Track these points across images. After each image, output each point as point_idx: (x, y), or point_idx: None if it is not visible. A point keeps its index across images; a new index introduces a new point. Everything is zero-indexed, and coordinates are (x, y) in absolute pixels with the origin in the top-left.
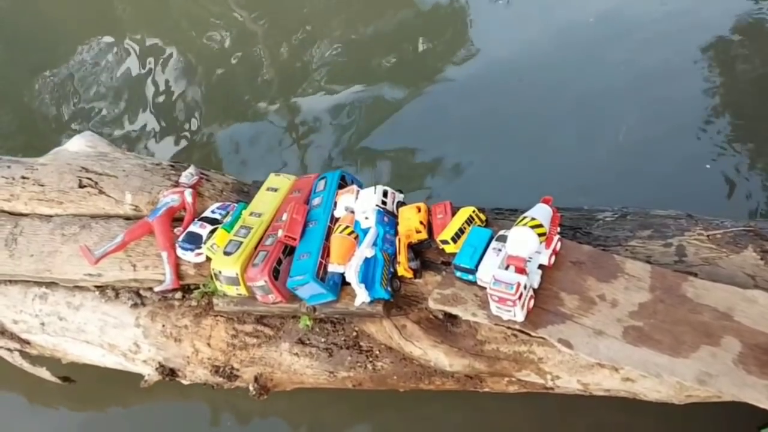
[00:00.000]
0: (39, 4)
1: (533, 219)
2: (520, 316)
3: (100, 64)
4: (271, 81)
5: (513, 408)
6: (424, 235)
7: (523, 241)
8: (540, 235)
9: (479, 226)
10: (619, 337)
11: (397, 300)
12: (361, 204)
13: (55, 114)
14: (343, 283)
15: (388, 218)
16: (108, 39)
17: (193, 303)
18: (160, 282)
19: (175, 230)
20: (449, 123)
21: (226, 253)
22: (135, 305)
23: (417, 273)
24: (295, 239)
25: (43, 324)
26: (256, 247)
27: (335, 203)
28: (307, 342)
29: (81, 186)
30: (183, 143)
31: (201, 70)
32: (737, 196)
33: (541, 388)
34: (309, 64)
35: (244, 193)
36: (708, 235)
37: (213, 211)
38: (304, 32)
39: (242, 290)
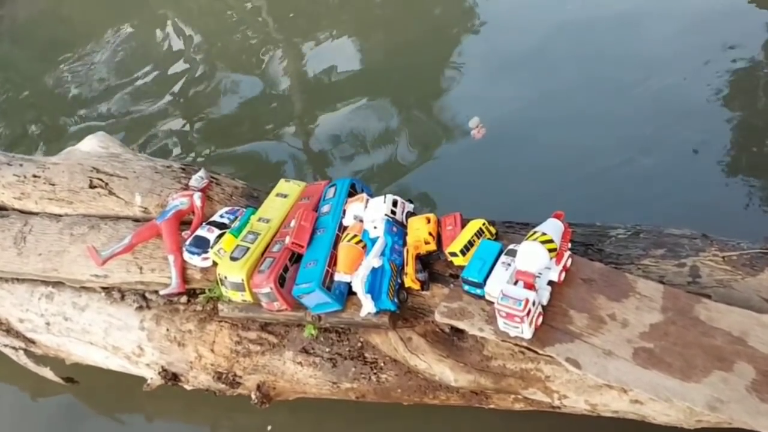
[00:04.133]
0: (62, 8)
1: (544, 234)
2: (527, 333)
3: (115, 61)
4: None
5: (519, 427)
6: (432, 247)
7: (533, 256)
8: (550, 250)
9: (489, 239)
10: (629, 359)
11: (404, 312)
12: (370, 213)
13: (71, 112)
14: (349, 292)
15: (397, 228)
16: (127, 32)
17: (198, 308)
18: (166, 285)
19: (183, 233)
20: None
21: (233, 259)
22: (140, 308)
23: (424, 285)
24: (302, 246)
25: (48, 323)
26: (263, 254)
27: (344, 211)
28: (311, 351)
29: (91, 186)
30: (192, 147)
31: (218, 75)
32: (754, 217)
33: (547, 406)
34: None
35: (254, 198)
36: (723, 257)
37: (221, 216)
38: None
39: (247, 297)
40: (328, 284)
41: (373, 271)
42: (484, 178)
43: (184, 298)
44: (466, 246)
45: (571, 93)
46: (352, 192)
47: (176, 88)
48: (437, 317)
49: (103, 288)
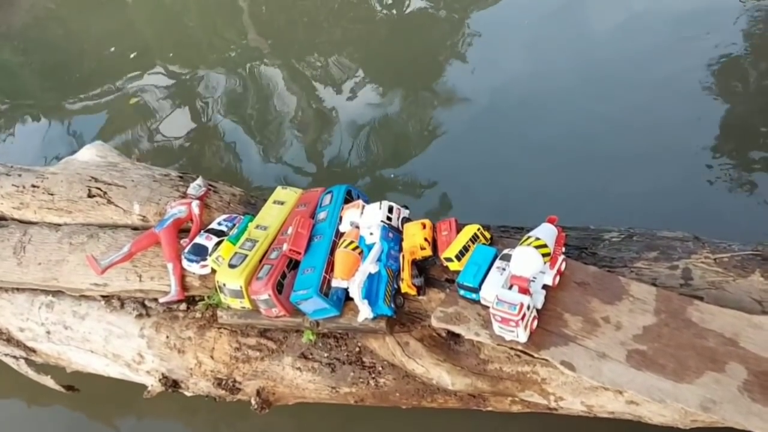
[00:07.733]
0: (58, 14)
1: (537, 239)
2: (522, 336)
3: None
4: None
5: (516, 428)
6: (428, 252)
7: (527, 261)
8: (544, 255)
9: (484, 244)
10: (623, 361)
11: (401, 317)
12: (366, 219)
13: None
14: (346, 298)
15: (393, 234)
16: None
17: (198, 315)
18: (166, 293)
19: (182, 241)
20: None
21: (231, 266)
22: (140, 316)
23: (420, 290)
24: (299, 253)
25: (48, 332)
26: (261, 261)
27: (341, 218)
28: (310, 357)
29: (90, 195)
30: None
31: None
32: (746, 218)
33: (544, 408)
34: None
35: (251, 205)
36: (715, 259)
37: (219, 223)
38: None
39: (246, 303)
40: (325, 290)
41: (370, 276)
42: (479, 173)
43: (183, 306)
44: (461, 251)
45: (564, 89)
46: (348, 199)
47: (172, 89)
48: (433, 322)
49: (103, 296)
